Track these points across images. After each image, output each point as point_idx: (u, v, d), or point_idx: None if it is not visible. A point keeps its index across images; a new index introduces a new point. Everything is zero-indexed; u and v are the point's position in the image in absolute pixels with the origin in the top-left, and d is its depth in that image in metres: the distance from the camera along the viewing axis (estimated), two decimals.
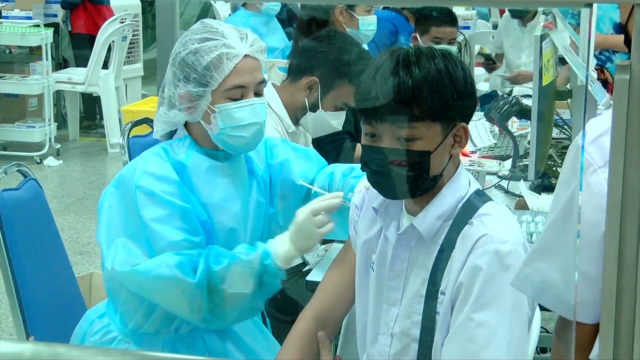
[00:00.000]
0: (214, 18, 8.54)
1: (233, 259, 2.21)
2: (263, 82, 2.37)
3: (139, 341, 2.36)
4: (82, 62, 7.94)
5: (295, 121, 3.14)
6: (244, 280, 2.23)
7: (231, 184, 2.36)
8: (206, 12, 9.52)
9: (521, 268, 1.65)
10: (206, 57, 2.27)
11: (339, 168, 2.53)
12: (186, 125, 2.38)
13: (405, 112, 1.85)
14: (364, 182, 2.09)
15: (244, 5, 5.80)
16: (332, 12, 4.23)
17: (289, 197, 2.50)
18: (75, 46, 8.11)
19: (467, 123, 1.93)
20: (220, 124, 2.29)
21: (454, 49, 4.78)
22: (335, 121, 3.13)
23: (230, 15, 6.52)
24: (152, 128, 2.47)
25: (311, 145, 3.31)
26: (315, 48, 3.14)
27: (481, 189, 1.98)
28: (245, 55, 2.31)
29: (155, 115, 2.40)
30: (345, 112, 3.15)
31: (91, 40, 7.86)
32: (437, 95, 1.84)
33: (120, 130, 6.26)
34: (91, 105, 8.46)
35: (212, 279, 2.19)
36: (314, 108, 3.09)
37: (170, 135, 2.41)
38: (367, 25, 4.31)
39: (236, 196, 2.37)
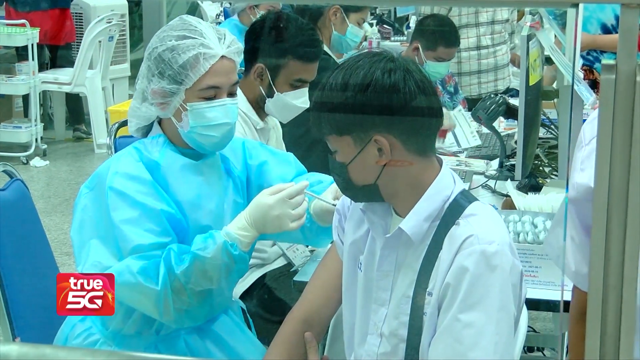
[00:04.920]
0: (202, 19, 8.53)
1: (194, 257, 2.19)
2: (237, 83, 2.38)
3: (121, 343, 2.35)
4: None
5: (263, 113, 3.11)
6: (209, 277, 2.23)
7: (206, 182, 2.36)
8: (193, 12, 9.50)
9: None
10: (183, 55, 2.27)
11: (312, 178, 2.53)
12: (160, 123, 2.38)
13: (319, 125, 1.93)
14: None
15: (238, 15, 5.76)
16: (325, 10, 4.23)
17: None
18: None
19: (404, 133, 1.87)
20: (191, 122, 2.29)
21: (447, 65, 4.78)
22: (298, 100, 3.05)
23: (220, 23, 6.45)
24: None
25: (282, 139, 3.30)
26: (253, 34, 3.11)
27: (466, 188, 1.99)
28: (222, 57, 2.31)
29: (128, 111, 2.40)
30: (306, 88, 3.07)
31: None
32: (339, 109, 1.88)
33: (107, 130, 6.24)
34: (78, 108, 8.40)
35: (177, 281, 2.18)
36: (270, 93, 3.05)
37: (147, 130, 2.41)
38: (353, 35, 4.32)
39: (211, 194, 2.37)
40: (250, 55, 3.08)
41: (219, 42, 2.32)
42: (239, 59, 2.38)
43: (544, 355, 3.91)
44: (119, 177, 2.24)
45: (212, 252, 2.20)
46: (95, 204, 2.27)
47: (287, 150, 3.16)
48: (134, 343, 2.35)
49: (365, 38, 6.22)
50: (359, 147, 1.87)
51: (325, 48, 4.13)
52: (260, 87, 3.04)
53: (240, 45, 2.39)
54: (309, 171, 2.61)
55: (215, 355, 2.42)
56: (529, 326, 2.43)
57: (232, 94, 2.35)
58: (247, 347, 2.49)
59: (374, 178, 1.89)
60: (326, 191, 2.39)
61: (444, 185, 1.92)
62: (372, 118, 1.87)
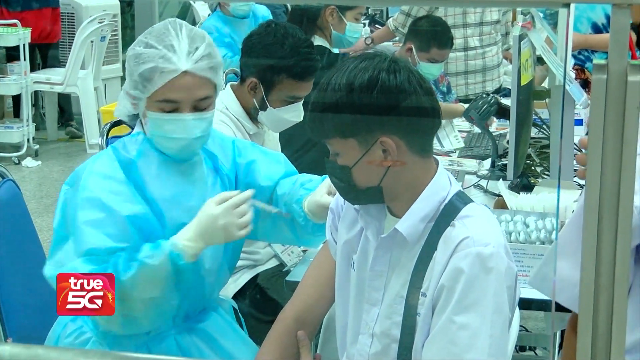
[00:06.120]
0: (194, 19, 8.50)
1: (141, 265, 2.17)
2: (207, 98, 2.30)
3: (112, 343, 2.35)
4: None
5: (256, 119, 3.11)
6: (156, 285, 2.21)
7: (185, 179, 2.35)
8: (185, 12, 9.48)
9: (539, 266, 1.71)
10: (142, 65, 2.25)
11: (303, 177, 2.53)
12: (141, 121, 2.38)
13: (321, 128, 1.91)
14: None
15: (220, 6, 5.73)
16: (322, 11, 4.23)
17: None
18: None
19: (409, 133, 1.87)
20: (150, 130, 2.29)
21: (440, 66, 4.77)
22: (290, 115, 3.04)
23: (207, 18, 6.40)
24: (131, 128, 2.46)
25: (278, 139, 3.29)
26: (250, 47, 3.09)
27: (462, 189, 1.99)
28: (185, 72, 2.24)
29: (119, 95, 2.41)
30: (299, 103, 3.05)
31: None
32: (344, 112, 1.86)
33: (99, 130, 6.22)
34: (69, 108, 8.38)
35: (123, 287, 2.14)
36: (263, 107, 3.03)
37: (135, 117, 2.40)
38: (352, 32, 4.33)
39: (191, 191, 2.35)
40: (245, 66, 3.08)
41: (187, 56, 2.25)
42: (214, 73, 2.30)
43: (536, 354, 3.92)
44: (93, 177, 2.24)
45: (159, 261, 2.18)
46: (72, 201, 2.26)
47: (283, 150, 3.16)
48: (125, 342, 2.34)
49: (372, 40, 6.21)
50: (364, 149, 1.86)
51: (328, 45, 4.15)
52: (254, 100, 3.03)
53: (217, 61, 2.31)
54: (308, 171, 2.61)
55: (207, 354, 2.41)
56: (520, 325, 2.44)
57: (199, 109, 2.29)
58: (238, 346, 2.49)
59: (379, 180, 1.89)
60: (320, 187, 2.38)
61: (440, 186, 1.92)
62: (378, 119, 1.86)
